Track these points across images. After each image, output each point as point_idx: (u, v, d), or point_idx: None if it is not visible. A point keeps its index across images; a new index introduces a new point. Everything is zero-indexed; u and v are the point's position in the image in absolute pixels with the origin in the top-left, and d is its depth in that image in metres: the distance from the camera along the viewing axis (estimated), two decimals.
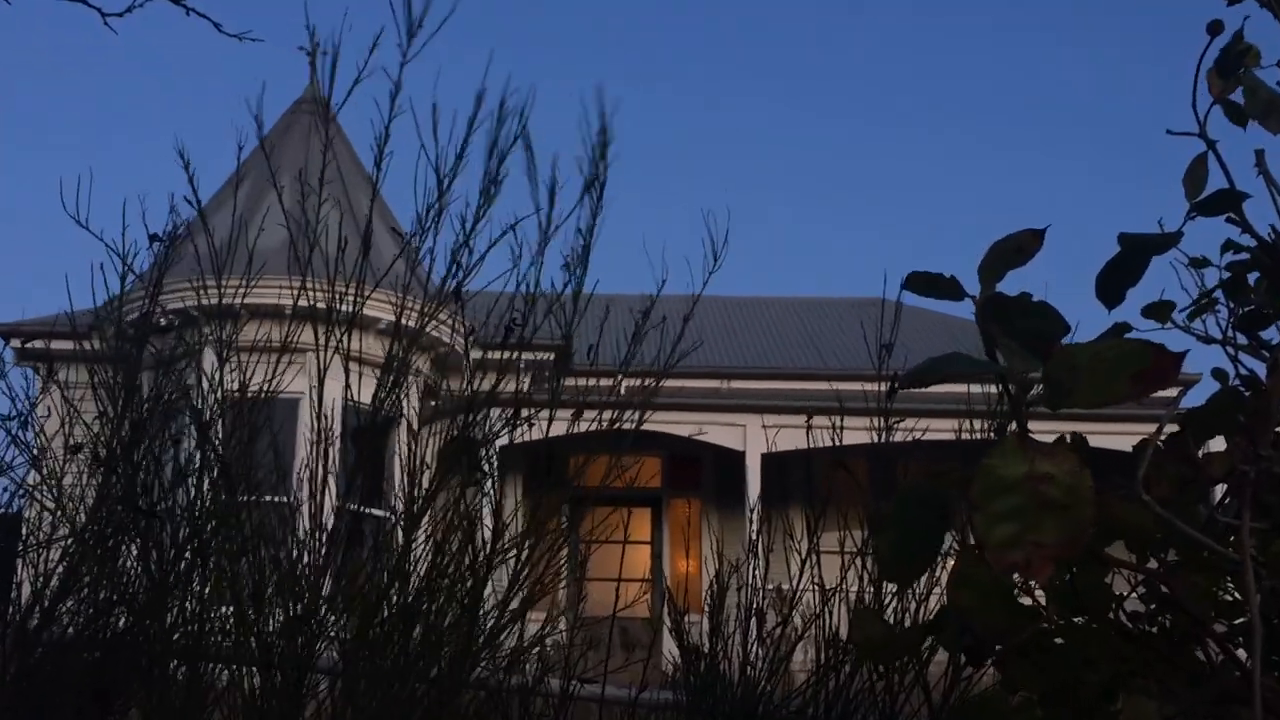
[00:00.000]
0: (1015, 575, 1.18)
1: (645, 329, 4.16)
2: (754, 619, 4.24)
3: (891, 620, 3.98)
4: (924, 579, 3.98)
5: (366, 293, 4.05)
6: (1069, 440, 1.81)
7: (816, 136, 76.73)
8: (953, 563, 1.39)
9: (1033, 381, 1.19)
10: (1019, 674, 1.55)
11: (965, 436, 4.39)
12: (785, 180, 76.69)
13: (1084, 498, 1.12)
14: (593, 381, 4.30)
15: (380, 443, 4.33)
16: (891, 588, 4.09)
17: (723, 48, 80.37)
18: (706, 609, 4.34)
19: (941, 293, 1.28)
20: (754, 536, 4.60)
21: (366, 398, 4.06)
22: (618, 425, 4.12)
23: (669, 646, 4.41)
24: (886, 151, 77.25)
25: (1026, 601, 1.52)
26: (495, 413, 4.13)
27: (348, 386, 3.98)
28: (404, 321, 4.02)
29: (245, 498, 3.84)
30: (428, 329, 4.32)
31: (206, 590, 3.75)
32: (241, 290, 4.38)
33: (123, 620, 3.90)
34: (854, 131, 78.07)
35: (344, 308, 4.02)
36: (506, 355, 4.13)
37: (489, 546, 3.75)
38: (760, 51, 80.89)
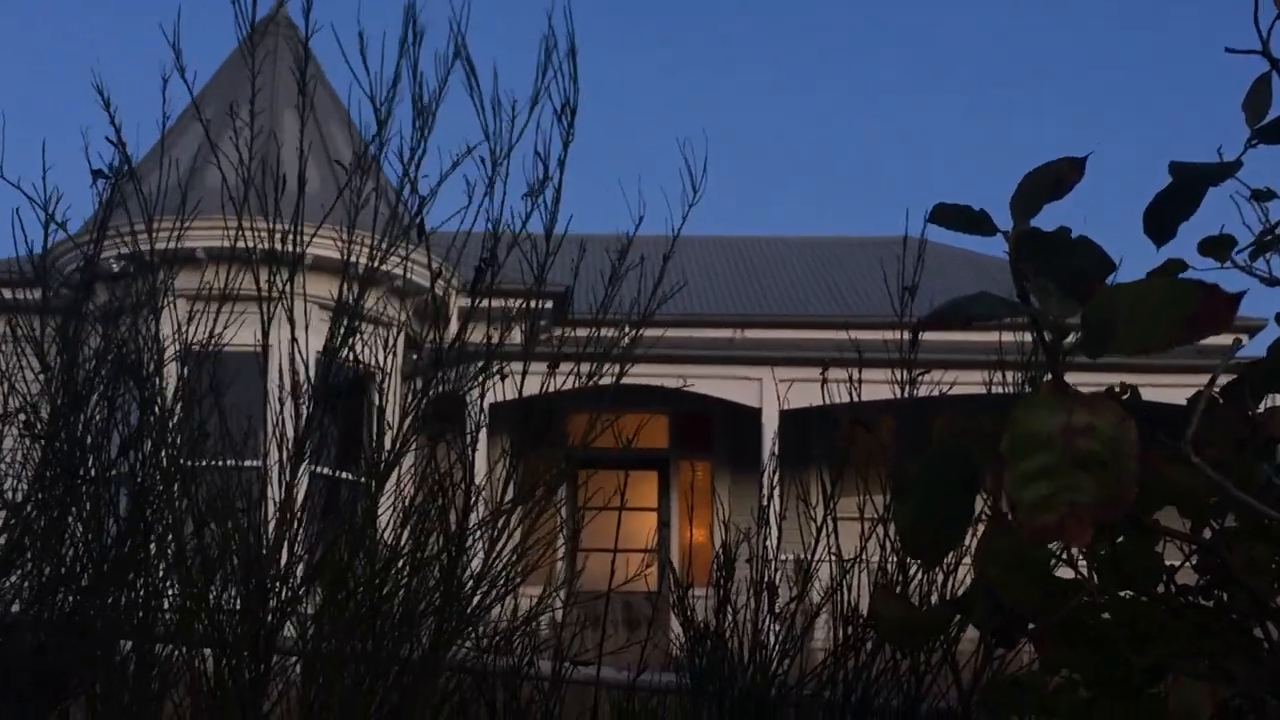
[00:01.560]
0: (1051, 543, 1.15)
1: (625, 269, 4.12)
2: (766, 593, 4.23)
3: (917, 595, 3.96)
4: None
5: (311, 230, 4.01)
6: (1119, 390, 1.78)
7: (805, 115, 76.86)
8: (982, 530, 1.36)
9: (1070, 327, 1.15)
10: (1057, 654, 1.53)
11: (996, 390, 4.37)
12: (788, 179, 76.77)
13: (1127, 453, 1.08)
14: (591, 332, 4.27)
15: (355, 399, 4.31)
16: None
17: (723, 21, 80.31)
18: (714, 582, 4.32)
19: (970, 227, 1.25)
20: (765, 502, 4.57)
21: (339, 350, 4.03)
22: (596, 379, 4.09)
23: (676, 624, 4.41)
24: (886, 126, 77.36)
25: (1067, 574, 1.49)
26: (487, 366, 4.11)
27: (294, 339, 3.95)
28: (356, 260, 4.00)
29: (198, 462, 3.82)
30: (408, 274, 4.28)
31: (157, 565, 3.74)
32: (177, 233, 4.34)
33: (70, 598, 3.89)
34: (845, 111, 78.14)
35: (296, 249, 4.00)
36: (490, 302, 4.10)
37: (468, 513, 3.73)
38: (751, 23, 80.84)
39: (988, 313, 1.12)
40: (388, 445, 3.87)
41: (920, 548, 1.29)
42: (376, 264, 4.10)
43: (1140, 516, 1.39)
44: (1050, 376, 1.11)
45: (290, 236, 4.06)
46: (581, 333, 4.31)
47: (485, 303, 4.07)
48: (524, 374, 4.00)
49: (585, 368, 4.19)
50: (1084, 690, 1.63)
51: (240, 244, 4.05)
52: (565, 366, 4.16)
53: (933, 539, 1.27)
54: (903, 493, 1.28)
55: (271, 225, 4.06)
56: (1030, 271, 1.16)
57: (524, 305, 4.16)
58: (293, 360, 3.96)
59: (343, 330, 4.00)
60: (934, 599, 3.95)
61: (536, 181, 4.00)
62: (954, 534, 1.27)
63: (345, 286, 4.03)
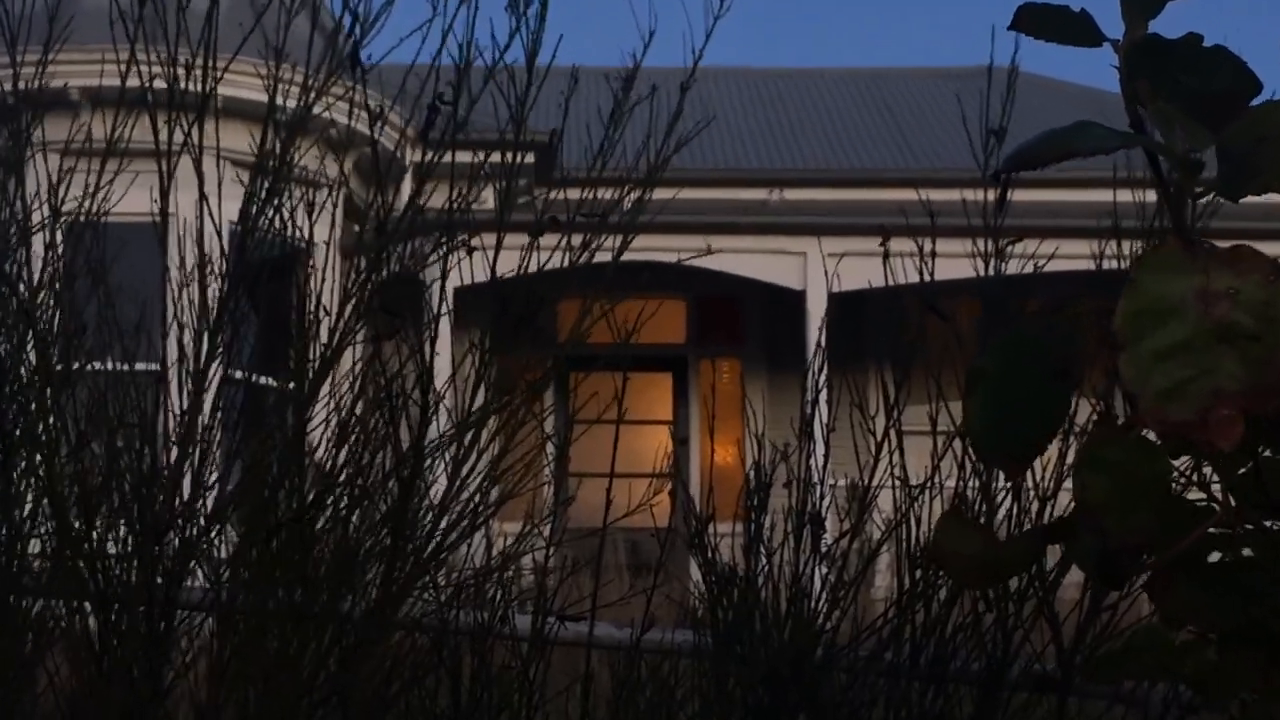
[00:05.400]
0: (1186, 445, 1.12)
1: (630, 106, 4.08)
2: (810, 527, 4.22)
3: (1005, 528, 3.95)
4: (1051, 465, 3.93)
5: (225, 61, 3.97)
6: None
7: None
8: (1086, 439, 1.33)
9: (1201, 165, 1.11)
10: (1182, 600, 1.51)
11: (1110, 266, 4.33)
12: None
13: None
14: (585, 193, 4.24)
15: (281, 283, 4.29)
16: (1005, 482, 4.06)
17: None
18: (743, 514, 4.32)
19: (1067, 34, 1.21)
20: (809, 411, 4.56)
21: (259, 217, 4.02)
22: (592, 254, 4.07)
23: (695, 569, 4.41)
24: None
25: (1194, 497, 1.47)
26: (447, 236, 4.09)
27: (202, 202, 3.92)
28: (283, 102, 3.96)
29: (75, 363, 3.82)
30: (351, 120, 4.25)
31: (22, 497, 3.75)
32: (44, 66, 4.30)
33: None
34: None
35: (205, 86, 3.96)
36: (454, 155, 4.07)
37: (425, 427, 3.73)
38: None
39: (1095, 145, 1.08)
40: (323, 340, 3.86)
41: (995, 453, 1.26)
42: (308, 104, 4.06)
43: None
44: (1176, 230, 1.08)
45: (197, 71, 4.01)
46: (573, 194, 4.27)
47: (448, 157, 4.03)
48: (497, 248, 3.97)
49: (577, 239, 4.17)
50: (1216, 649, 1.62)
51: (132, 81, 4.01)
52: (551, 238, 4.14)
53: (1012, 440, 1.24)
54: (975, 383, 1.25)
55: (173, 52, 4.01)
56: (1148, 92, 1.12)
57: (498, 158, 4.12)
58: (200, 231, 3.93)
59: (264, 191, 3.97)
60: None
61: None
62: (1039, 434, 1.24)
63: (269, 135, 3.99)
